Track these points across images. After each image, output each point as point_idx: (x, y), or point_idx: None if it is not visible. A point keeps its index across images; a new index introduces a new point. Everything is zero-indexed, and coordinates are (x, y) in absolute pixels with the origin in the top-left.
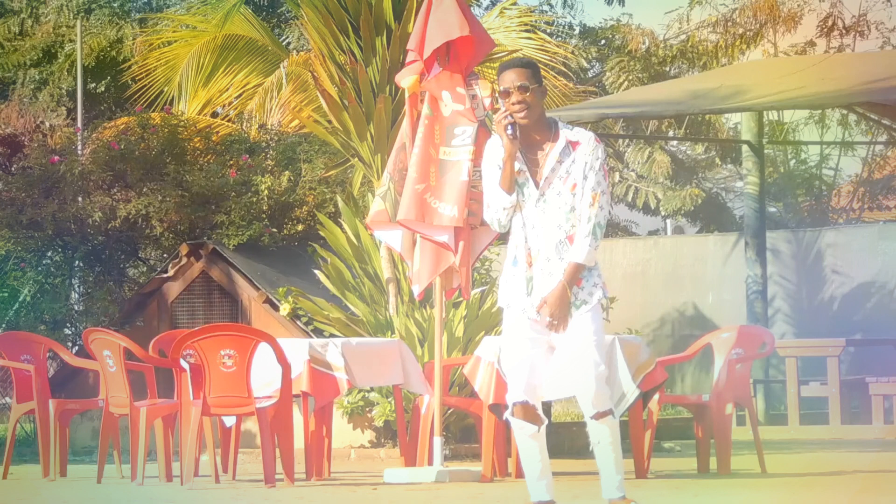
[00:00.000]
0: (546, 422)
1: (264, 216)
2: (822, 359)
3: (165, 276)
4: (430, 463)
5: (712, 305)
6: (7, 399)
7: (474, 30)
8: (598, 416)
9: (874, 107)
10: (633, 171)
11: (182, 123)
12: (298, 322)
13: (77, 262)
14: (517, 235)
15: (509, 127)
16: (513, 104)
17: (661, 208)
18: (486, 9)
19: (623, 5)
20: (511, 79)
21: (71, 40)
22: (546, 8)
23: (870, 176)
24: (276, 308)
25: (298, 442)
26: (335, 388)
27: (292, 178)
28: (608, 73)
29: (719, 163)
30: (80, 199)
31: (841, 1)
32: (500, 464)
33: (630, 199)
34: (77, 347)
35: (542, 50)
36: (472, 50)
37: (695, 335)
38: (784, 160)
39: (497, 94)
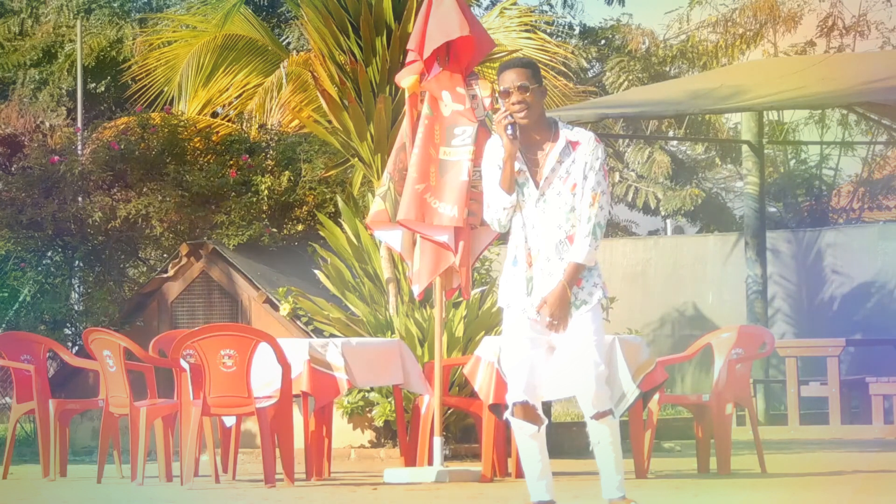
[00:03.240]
0: (546, 422)
1: (264, 216)
2: (822, 359)
3: (165, 276)
4: (430, 463)
5: (712, 305)
6: (7, 399)
7: (474, 30)
8: (598, 416)
9: (874, 107)
10: (633, 171)
11: (182, 123)
12: (298, 322)
13: (77, 262)
14: (517, 235)
15: (509, 127)
16: (513, 104)
17: (661, 208)
18: (486, 9)
19: (623, 5)
20: (511, 79)
21: (71, 40)
22: (546, 8)
23: (870, 176)
24: (276, 308)
25: (298, 442)
26: (335, 388)
27: (292, 178)
28: (608, 73)
29: (719, 163)
30: (80, 199)
31: (841, 1)
32: (500, 464)
33: (630, 199)
34: (77, 347)
35: (542, 50)
36: (472, 50)
37: (695, 335)
38: (784, 160)
39: (497, 94)
